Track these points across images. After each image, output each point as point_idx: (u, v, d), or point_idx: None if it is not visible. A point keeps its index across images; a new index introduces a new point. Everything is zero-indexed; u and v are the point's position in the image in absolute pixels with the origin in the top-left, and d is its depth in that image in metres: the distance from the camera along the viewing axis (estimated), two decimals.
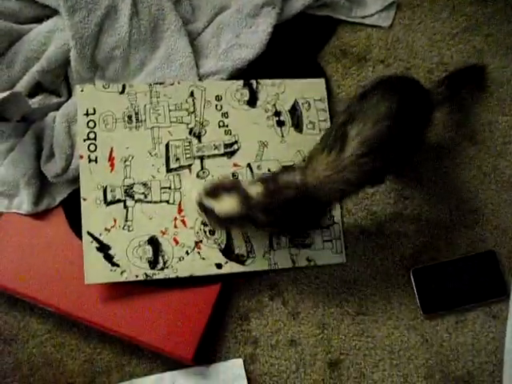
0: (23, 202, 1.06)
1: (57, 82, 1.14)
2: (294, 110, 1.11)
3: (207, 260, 1.02)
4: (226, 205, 0.91)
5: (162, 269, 1.01)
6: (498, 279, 1.06)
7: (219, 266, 1.03)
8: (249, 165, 1.07)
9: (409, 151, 0.97)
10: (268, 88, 1.11)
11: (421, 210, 1.11)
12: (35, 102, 1.10)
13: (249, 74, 1.14)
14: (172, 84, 1.08)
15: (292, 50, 1.18)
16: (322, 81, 1.14)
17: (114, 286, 1.01)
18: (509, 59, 1.19)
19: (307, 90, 1.12)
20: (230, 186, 0.93)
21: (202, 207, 0.93)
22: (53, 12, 1.13)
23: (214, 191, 0.92)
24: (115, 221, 1.01)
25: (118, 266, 1.00)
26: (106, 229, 1.01)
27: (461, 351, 1.04)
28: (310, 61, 1.19)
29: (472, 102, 1.17)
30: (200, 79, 1.12)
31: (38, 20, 1.14)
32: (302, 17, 1.20)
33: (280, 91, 1.12)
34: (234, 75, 1.14)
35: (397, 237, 1.10)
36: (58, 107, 1.12)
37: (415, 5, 1.24)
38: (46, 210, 1.07)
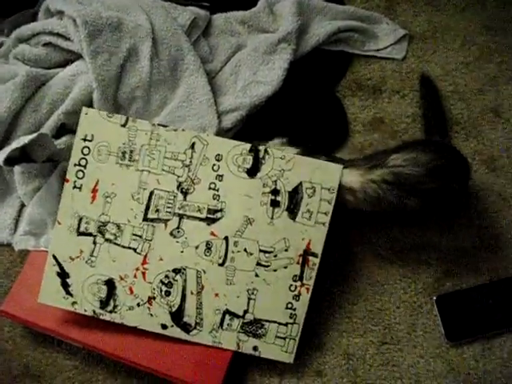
0: (50, 240, 1.08)
1: None
2: (295, 193, 0.99)
3: (154, 318, 1.02)
4: None
5: (111, 312, 1.02)
6: None
7: (164, 326, 1.02)
8: (226, 238, 1.01)
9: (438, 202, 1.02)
10: (275, 161, 0.99)
11: (442, 238, 1.12)
12: (60, 142, 1.13)
13: (266, 110, 1.18)
14: (176, 130, 1.00)
15: (309, 85, 1.20)
16: (338, 168, 0.99)
17: None
18: None
19: (318, 175, 0.99)
20: None
21: None
22: (76, 56, 1.16)
23: None
24: (81, 252, 1.02)
25: (71, 295, 1.02)
26: (70, 257, 1.02)
27: (488, 379, 1.04)
28: (329, 95, 1.21)
29: (489, 128, 1.18)
30: (219, 116, 1.14)
31: (63, 64, 1.18)
32: (317, 52, 1.23)
33: (287, 168, 0.99)
34: (253, 112, 1.17)
35: (418, 265, 1.10)
36: None
37: (427, 36, 1.26)
38: None
